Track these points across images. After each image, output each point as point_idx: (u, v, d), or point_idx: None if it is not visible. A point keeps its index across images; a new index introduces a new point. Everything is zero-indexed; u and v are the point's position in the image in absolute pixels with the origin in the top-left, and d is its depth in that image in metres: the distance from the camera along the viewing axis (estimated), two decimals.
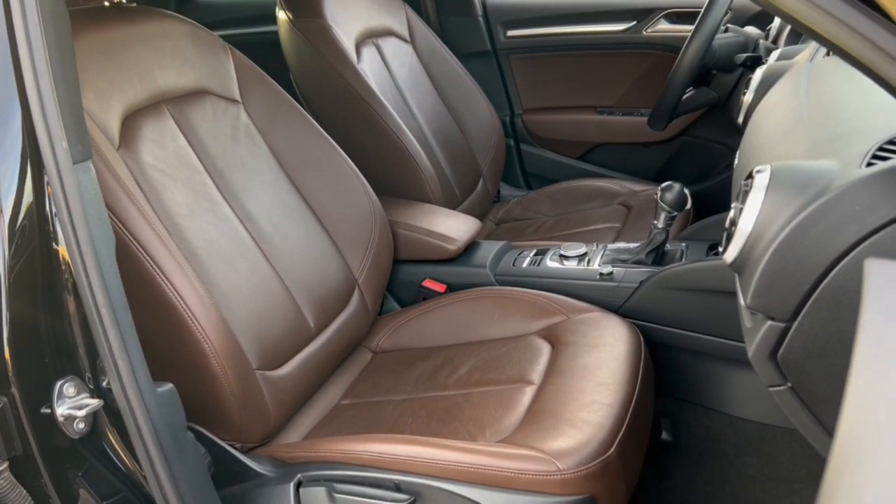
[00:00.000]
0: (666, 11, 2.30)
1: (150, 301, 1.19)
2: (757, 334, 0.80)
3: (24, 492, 1.01)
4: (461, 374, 1.45)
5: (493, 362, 1.47)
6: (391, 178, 1.93)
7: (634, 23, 2.34)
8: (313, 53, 1.92)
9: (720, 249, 0.88)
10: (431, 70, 2.32)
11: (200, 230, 1.34)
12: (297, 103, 1.65)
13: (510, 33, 2.50)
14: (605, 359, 1.37)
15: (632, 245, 1.69)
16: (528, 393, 1.34)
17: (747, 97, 1.39)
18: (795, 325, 0.76)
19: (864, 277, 0.48)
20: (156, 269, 1.18)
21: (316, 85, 1.97)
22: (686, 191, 1.57)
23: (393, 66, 2.19)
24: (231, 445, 1.27)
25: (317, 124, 1.66)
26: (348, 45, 1.97)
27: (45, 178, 0.99)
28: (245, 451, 1.30)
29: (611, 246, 1.71)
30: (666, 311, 1.52)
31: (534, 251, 1.77)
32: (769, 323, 0.78)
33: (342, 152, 1.66)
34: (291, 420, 1.44)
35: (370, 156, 1.90)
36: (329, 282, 1.55)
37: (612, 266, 1.62)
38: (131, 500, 1.08)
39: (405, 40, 2.28)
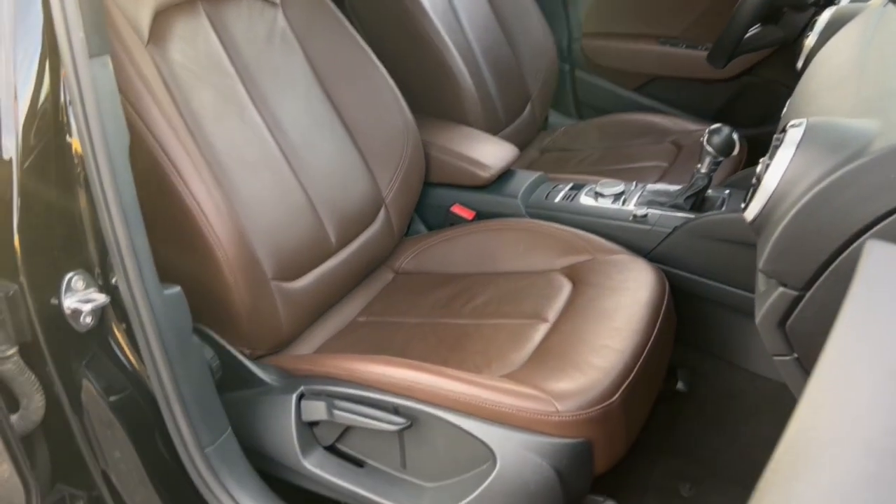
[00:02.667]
0: None
1: (165, 202, 1.19)
2: (767, 300, 0.75)
3: (33, 376, 1.04)
4: (477, 304, 1.43)
5: (510, 295, 1.44)
6: (430, 96, 1.88)
7: None
8: None
9: (742, 205, 0.82)
10: None
11: (226, 135, 1.32)
12: (337, 9, 1.60)
13: None
14: (624, 303, 1.33)
15: (672, 188, 1.62)
16: (541, 330, 1.32)
17: (809, 40, 1.29)
18: (809, 294, 0.71)
19: (860, 259, 0.43)
20: (173, 169, 1.17)
21: None
22: (735, 135, 1.48)
23: None
24: (240, 352, 1.28)
25: (356, 33, 1.61)
26: None
27: (62, 70, 0.98)
28: (254, 359, 1.31)
29: (650, 187, 1.64)
30: (697, 259, 1.46)
31: (570, 185, 1.71)
32: (781, 289, 0.73)
33: (380, 65, 1.61)
34: (305, 332, 1.45)
35: (410, 71, 1.84)
36: (355, 198, 1.53)
37: (648, 208, 1.55)
38: (135, 396, 1.10)
39: None
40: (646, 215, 1.53)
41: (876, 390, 0.36)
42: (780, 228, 0.71)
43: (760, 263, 0.73)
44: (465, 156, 1.71)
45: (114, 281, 1.05)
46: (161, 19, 1.30)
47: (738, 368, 1.51)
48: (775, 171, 0.72)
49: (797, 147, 0.71)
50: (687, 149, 2.06)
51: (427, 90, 1.87)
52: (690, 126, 2.17)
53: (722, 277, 1.45)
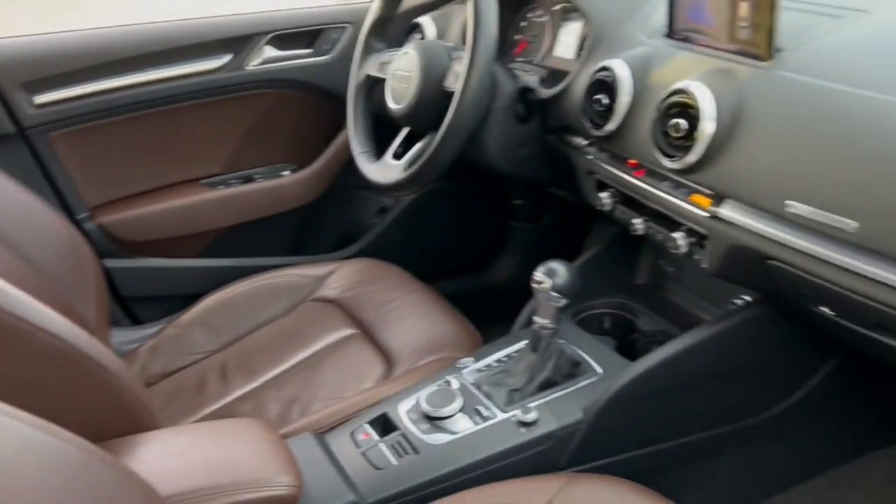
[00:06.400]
0: (269, 35, 1.71)
1: None
2: None
3: None
4: None
5: None
6: None
7: (231, 56, 1.68)
8: None
9: None
10: None
11: None
12: None
13: (40, 100, 1.55)
14: None
15: (487, 362, 1.19)
16: None
17: None
18: None
19: None
20: None
21: None
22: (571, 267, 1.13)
23: None
24: None
25: None
26: None
27: None
28: None
29: (468, 372, 1.17)
30: (634, 431, 1.10)
31: (348, 430, 1.09)
32: None
33: None
34: None
35: None
36: None
37: (522, 405, 1.09)
38: None
39: None
40: (536, 419, 1.06)
41: None
42: None
43: None
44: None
45: None
46: None
47: None
48: None
49: None
50: (342, 302, 1.57)
51: None
52: (315, 271, 1.65)
53: (661, 434, 1.12)
